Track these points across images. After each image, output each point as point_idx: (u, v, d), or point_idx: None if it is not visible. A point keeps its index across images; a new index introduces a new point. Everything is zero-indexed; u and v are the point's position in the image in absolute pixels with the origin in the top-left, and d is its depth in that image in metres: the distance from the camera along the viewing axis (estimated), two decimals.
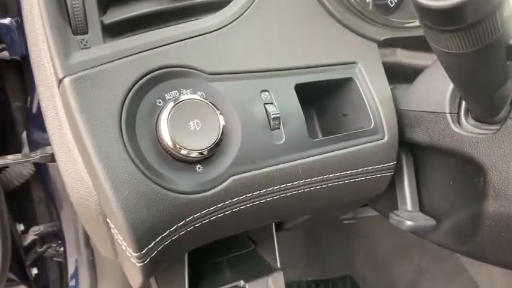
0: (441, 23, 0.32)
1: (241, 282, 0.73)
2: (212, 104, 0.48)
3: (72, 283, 0.98)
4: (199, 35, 0.52)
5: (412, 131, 0.61)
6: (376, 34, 0.64)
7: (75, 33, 0.47)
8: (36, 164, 1.00)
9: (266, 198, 0.54)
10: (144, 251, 0.46)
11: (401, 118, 0.62)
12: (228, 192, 0.50)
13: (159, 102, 0.48)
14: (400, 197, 0.66)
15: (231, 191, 0.50)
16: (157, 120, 0.47)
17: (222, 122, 0.48)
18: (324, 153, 0.56)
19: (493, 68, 0.38)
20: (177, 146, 0.45)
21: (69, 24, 0.47)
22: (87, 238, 0.92)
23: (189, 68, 0.50)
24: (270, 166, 0.52)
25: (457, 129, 0.54)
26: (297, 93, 0.56)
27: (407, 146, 0.65)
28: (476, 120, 0.53)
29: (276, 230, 0.83)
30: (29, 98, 0.96)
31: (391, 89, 0.63)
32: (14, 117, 0.99)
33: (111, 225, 0.49)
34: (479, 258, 0.62)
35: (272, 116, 0.52)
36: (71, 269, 0.98)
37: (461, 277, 1.27)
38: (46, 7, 0.45)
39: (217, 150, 0.49)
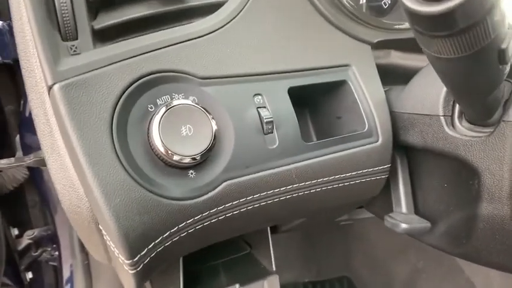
0: (432, 28, 0.32)
1: (237, 286, 0.73)
2: (204, 108, 0.48)
3: (67, 287, 0.98)
4: (191, 39, 0.51)
5: (406, 134, 0.61)
6: (370, 36, 0.64)
7: (64, 39, 0.46)
8: (30, 168, 1.00)
9: (260, 203, 0.54)
10: (136, 258, 0.46)
11: (396, 121, 0.62)
12: (221, 197, 0.50)
13: (151, 108, 0.47)
14: (395, 200, 0.66)
15: (224, 196, 0.50)
16: (149, 126, 0.46)
17: (215, 127, 0.48)
18: (318, 156, 0.56)
19: (486, 72, 0.38)
20: (169, 152, 0.45)
21: (58, 30, 0.46)
22: (82, 242, 0.92)
23: (181, 73, 0.49)
24: (263, 171, 0.52)
25: (450, 132, 0.54)
26: (290, 96, 0.55)
27: (402, 149, 0.65)
28: (470, 123, 0.53)
29: (272, 233, 0.82)
30: (22, 102, 0.96)
31: (385, 91, 0.63)
32: (7, 120, 0.99)
33: (104, 232, 0.48)
34: (474, 261, 0.62)
35: (265, 120, 0.51)
36: (66, 273, 0.98)
37: (458, 277, 1.27)
38: (34, 13, 0.44)
39: (210, 156, 0.49)
